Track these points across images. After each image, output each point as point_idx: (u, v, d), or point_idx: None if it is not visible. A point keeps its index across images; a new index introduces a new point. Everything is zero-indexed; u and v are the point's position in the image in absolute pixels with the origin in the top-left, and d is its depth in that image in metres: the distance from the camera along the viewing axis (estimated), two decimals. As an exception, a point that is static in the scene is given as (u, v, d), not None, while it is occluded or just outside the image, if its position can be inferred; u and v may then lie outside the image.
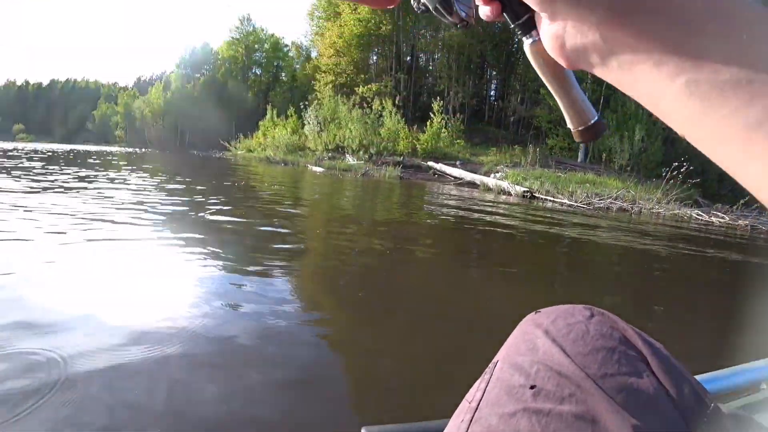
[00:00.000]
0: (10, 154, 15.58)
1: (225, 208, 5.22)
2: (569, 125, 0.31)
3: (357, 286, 2.52)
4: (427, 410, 1.33)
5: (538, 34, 0.29)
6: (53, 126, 72.95)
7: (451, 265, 3.39)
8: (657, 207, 10.02)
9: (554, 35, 0.27)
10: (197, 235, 3.43)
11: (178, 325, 1.76)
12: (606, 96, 17.96)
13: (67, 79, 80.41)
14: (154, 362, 1.46)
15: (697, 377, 0.37)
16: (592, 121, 0.31)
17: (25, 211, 3.84)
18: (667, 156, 15.57)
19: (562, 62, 0.27)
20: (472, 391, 0.40)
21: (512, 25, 0.30)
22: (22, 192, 5.17)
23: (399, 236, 4.31)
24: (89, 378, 1.33)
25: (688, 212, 9.72)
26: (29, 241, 2.80)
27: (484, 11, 0.31)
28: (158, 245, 3.03)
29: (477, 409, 0.37)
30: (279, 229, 4.09)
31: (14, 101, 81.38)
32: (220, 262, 2.69)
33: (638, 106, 13.52)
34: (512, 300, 2.47)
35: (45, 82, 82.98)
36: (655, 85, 0.25)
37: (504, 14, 0.31)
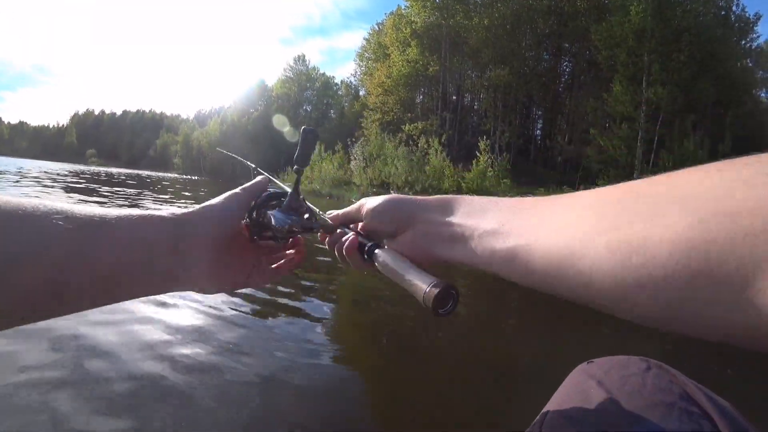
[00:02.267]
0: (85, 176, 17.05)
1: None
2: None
3: (387, 331, 2.46)
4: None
5: (383, 247, 0.41)
6: (120, 152, 79.60)
7: (491, 310, 3.26)
8: None
9: (394, 245, 0.40)
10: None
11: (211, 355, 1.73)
12: (660, 136, 17.19)
13: (138, 110, 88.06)
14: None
15: None
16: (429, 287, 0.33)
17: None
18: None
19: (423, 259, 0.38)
20: None
21: (367, 246, 0.42)
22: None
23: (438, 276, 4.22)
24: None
25: None
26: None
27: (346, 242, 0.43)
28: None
29: None
30: (315, 266, 4.10)
31: (90, 128, 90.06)
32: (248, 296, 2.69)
33: (697, 145, 12.65)
34: (558, 348, 2.37)
35: (118, 112, 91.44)
36: (463, 248, 0.34)
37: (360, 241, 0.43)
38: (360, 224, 0.46)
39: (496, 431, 1.44)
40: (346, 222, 0.48)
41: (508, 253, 0.30)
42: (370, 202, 0.44)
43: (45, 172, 18.43)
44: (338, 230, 0.47)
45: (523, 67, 24.92)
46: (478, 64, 25.82)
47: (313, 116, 42.50)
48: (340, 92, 43.77)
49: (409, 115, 26.80)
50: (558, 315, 4.08)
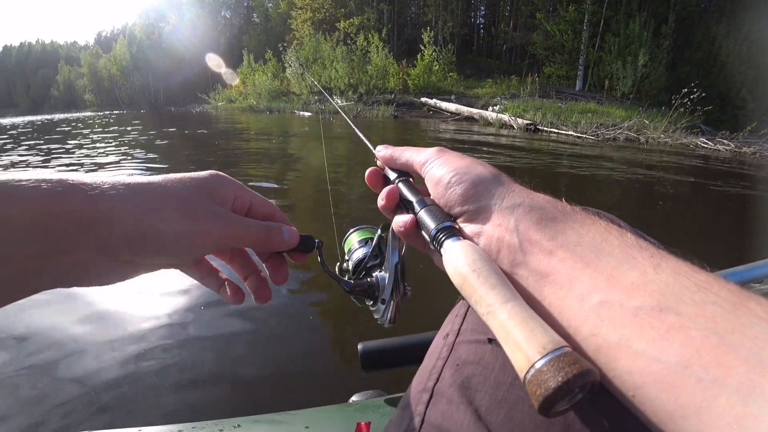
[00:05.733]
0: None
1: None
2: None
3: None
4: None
5: (461, 235, 0.30)
6: (16, 97, 68.06)
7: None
8: (663, 136, 9.58)
9: (475, 233, 0.29)
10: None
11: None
12: (606, 19, 16.68)
13: (21, 44, 73.83)
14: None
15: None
16: None
17: None
18: (669, 81, 14.77)
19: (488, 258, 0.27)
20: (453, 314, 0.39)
21: (434, 231, 0.30)
22: None
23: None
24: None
25: (695, 140, 9.33)
26: None
27: (399, 222, 0.33)
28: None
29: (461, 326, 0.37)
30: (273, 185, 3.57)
31: (-32, 76, 75.13)
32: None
33: (642, 27, 12.41)
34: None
35: (-3, 51, 76.32)
36: (564, 303, 0.24)
37: (419, 228, 0.32)
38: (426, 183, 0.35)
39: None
40: (401, 167, 0.38)
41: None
42: (437, 169, 0.33)
43: None
44: (391, 178, 0.38)
45: (463, -55, 22.62)
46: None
47: (234, 23, 37.50)
48: (260, -10, 38.49)
49: (343, 10, 24.20)
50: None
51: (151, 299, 1.77)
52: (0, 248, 0.23)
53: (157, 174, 0.29)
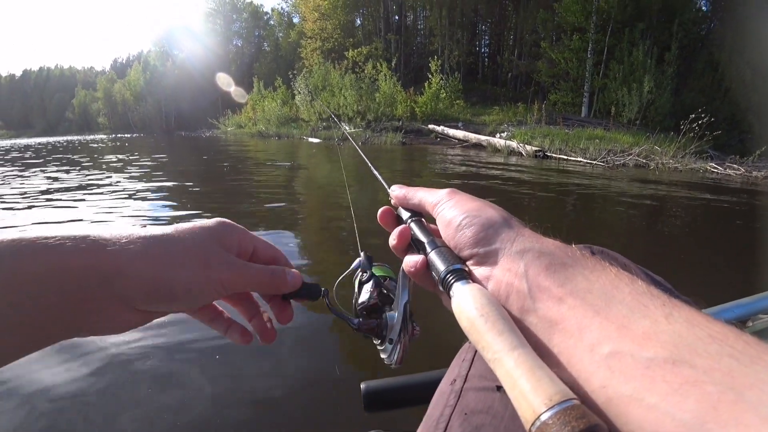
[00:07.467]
0: None
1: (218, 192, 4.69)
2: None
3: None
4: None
5: (470, 278, 0.29)
6: (32, 119, 69.87)
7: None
8: (672, 161, 9.56)
9: (484, 277, 0.29)
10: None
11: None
12: (610, 47, 16.96)
13: (41, 68, 76.40)
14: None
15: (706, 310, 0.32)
16: None
17: None
18: (674, 107, 14.84)
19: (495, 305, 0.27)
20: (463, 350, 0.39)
21: (443, 274, 0.30)
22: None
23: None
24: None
25: (704, 165, 9.26)
26: None
27: (410, 262, 0.33)
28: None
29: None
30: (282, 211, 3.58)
31: (-12, 96, 77.39)
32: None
33: (646, 54, 12.39)
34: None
35: (18, 74, 78.98)
36: (573, 353, 0.23)
37: (428, 268, 0.32)
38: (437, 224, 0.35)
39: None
40: (413, 208, 0.38)
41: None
42: (448, 211, 0.33)
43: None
44: (403, 218, 0.38)
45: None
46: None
47: (246, 51, 38.73)
48: (272, 22, 39.79)
49: (351, 40, 24.95)
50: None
51: (145, 340, 1.73)
52: (19, 298, 0.24)
53: (168, 224, 0.32)
